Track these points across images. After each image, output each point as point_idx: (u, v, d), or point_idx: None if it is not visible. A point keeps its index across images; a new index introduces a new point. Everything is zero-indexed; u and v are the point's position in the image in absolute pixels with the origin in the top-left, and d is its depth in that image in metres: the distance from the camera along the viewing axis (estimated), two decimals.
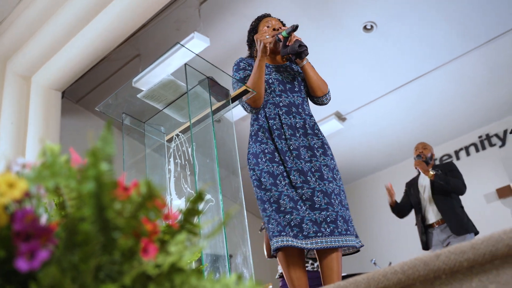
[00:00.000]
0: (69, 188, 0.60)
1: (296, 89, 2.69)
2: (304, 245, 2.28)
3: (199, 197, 0.67)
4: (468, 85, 6.19)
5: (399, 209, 4.61)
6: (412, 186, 4.62)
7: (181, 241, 0.67)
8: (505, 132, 6.60)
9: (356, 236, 2.42)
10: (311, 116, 2.66)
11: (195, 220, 0.74)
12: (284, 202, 2.35)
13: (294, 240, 2.29)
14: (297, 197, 2.38)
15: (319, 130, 2.62)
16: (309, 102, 2.80)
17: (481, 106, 6.46)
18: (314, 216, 2.33)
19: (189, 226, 0.70)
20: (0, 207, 0.58)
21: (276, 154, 2.50)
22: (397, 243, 6.95)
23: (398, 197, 4.69)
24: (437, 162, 6.92)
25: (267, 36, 2.59)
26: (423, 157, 4.40)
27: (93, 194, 0.54)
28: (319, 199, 2.36)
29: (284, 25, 2.88)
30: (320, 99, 2.74)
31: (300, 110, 2.62)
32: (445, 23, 5.48)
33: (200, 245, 0.69)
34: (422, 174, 4.50)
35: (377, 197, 7.54)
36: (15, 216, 0.58)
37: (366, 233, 6.92)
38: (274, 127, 2.55)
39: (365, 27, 5.59)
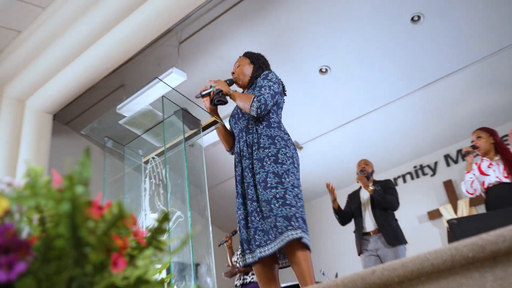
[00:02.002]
0: (47, 207, 0.58)
1: None
2: (258, 255, 2.21)
3: (165, 217, 0.66)
4: (406, 123, 6.35)
5: (341, 216, 4.42)
6: (353, 197, 4.51)
7: (148, 256, 0.66)
8: (435, 163, 6.77)
9: (300, 230, 2.17)
10: (269, 127, 2.43)
11: (164, 236, 0.73)
12: (251, 219, 2.28)
13: (253, 254, 2.25)
14: (251, 209, 2.29)
15: (274, 140, 2.39)
16: (272, 111, 2.50)
17: (416, 141, 6.61)
18: (264, 225, 2.24)
19: (155, 243, 0.68)
20: None
21: (242, 175, 2.42)
22: (344, 256, 6.97)
23: (342, 206, 4.61)
24: None
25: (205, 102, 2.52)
26: (365, 172, 4.30)
27: (68, 214, 0.53)
28: (265, 208, 2.24)
29: (250, 56, 2.69)
30: (253, 114, 2.40)
31: (255, 125, 2.46)
32: (391, 67, 5.61)
33: (165, 260, 0.68)
34: (363, 188, 4.42)
35: (328, 215, 7.55)
36: None
37: (318, 246, 6.93)
38: (238, 149, 2.47)
39: (320, 70, 5.69)
